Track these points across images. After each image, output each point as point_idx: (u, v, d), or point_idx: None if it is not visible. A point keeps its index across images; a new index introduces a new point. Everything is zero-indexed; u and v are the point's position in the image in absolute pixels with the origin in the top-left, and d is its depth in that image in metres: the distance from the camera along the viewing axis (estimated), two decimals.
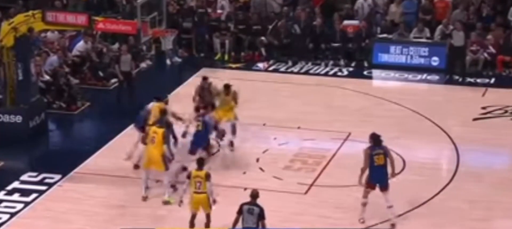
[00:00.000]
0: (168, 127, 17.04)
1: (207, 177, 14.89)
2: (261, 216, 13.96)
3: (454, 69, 24.00)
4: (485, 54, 24.56)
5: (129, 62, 21.97)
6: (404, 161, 18.29)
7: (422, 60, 25.02)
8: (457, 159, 18.56)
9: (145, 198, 16.63)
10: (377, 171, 15.29)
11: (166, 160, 16.34)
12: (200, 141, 17.42)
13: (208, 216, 15.06)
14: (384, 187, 15.35)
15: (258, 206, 14.07)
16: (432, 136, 19.84)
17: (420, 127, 20.38)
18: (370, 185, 15.38)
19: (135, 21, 23.94)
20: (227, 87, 18.91)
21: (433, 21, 25.99)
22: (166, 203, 16.42)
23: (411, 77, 24.30)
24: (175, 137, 17.45)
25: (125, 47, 22.52)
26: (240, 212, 14.06)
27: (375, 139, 15.48)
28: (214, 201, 14.96)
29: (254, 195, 14.18)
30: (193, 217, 15.08)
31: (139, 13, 24.89)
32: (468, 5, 26.05)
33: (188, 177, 15.06)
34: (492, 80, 23.83)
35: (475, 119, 20.95)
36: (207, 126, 17.50)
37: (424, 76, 24.36)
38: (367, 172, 15.33)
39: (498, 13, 25.83)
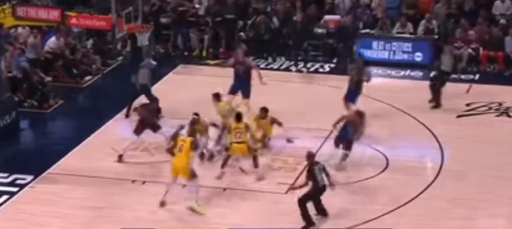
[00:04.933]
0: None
1: (247, 128, 17.29)
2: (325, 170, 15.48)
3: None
4: (469, 50, 24.70)
5: (147, 74, 20.98)
6: (387, 159, 18.40)
7: (405, 56, 25.15)
8: (441, 157, 18.66)
9: (163, 204, 16.33)
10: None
11: (193, 169, 16.24)
12: None
13: (255, 158, 17.37)
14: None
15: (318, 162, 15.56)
16: (416, 134, 19.93)
17: (404, 125, 20.47)
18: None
19: (109, 16, 23.87)
20: (264, 110, 18.75)
21: (417, 16, 26.13)
22: (192, 210, 16.17)
23: (394, 73, 24.41)
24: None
25: (146, 61, 21.66)
26: (310, 172, 15.35)
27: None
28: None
29: (312, 155, 15.61)
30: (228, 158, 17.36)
31: (114, 8, 24.80)
32: None
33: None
34: (477, 76, 23.99)
35: (459, 116, 21.07)
36: None
37: (408, 72, 24.48)
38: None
39: (481, 6, 25.98)
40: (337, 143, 17.99)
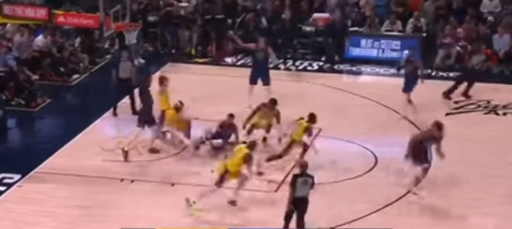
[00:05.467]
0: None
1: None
2: (313, 184, 14.95)
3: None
4: (458, 48, 24.79)
5: (130, 68, 21.14)
6: (376, 157, 18.45)
7: (394, 54, 25.19)
8: (430, 155, 18.69)
9: (233, 202, 16.28)
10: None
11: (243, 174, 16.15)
12: None
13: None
14: None
15: (310, 176, 14.94)
16: (405, 132, 19.94)
17: (393, 122, 20.50)
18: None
19: (97, 14, 23.81)
20: (273, 102, 18.91)
21: (406, 14, 26.20)
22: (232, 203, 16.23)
23: (383, 71, 24.45)
24: None
25: (126, 53, 21.90)
26: (293, 184, 14.83)
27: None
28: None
29: (304, 165, 15.05)
30: None
31: (102, 6, 24.74)
32: None
33: None
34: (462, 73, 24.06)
35: (448, 114, 21.12)
36: None
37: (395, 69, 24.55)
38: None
39: (469, 4, 26.07)
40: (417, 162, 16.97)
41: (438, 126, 17.00)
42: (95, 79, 23.94)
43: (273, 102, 18.85)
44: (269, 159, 17.76)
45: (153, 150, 18.66)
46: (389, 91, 22.36)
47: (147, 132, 18.71)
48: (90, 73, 24.31)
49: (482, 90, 22.44)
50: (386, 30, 25.76)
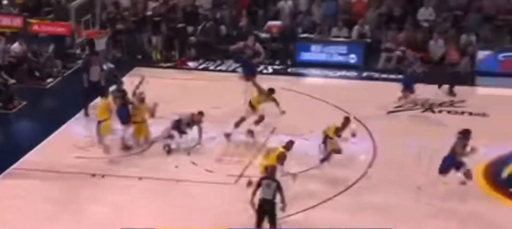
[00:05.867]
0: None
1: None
2: (279, 188, 14.48)
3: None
4: (398, 52, 24.98)
5: (99, 72, 20.87)
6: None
7: (341, 58, 25.31)
8: (374, 150, 18.84)
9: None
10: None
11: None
12: None
13: None
14: None
15: (275, 180, 14.54)
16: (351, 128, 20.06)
17: (340, 120, 20.51)
18: None
19: (69, 23, 23.63)
20: (272, 91, 19.42)
21: (352, 21, 26.29)
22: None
23: (331, 73, 24.54)
24: None
25: (95, 58, 21.73)
26: (259, 185, 14.51)
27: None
28: None
29: (272, 170, 14.72)
30: None
31: (73, 15, 24.56)
32: (380, 4, 26.44)
33: None
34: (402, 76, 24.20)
35: (389, 112, 21.24)
36: None
37: (343, 72, 24.66)
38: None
39: (408, 12, 26.25)
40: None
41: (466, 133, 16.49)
42: (67, 82, 23.71)
43: (271, 90, 19.36)
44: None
45: (125, 147, 18.50)
46: (336, 91, 22.47)
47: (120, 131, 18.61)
48: (63, 77, 24.07)
49: (420, 90, 22.57)
50: (334, 37, 25.85)
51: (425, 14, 25.96)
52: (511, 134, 19.33)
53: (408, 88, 21.53)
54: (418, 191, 16.53)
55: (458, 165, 16.36)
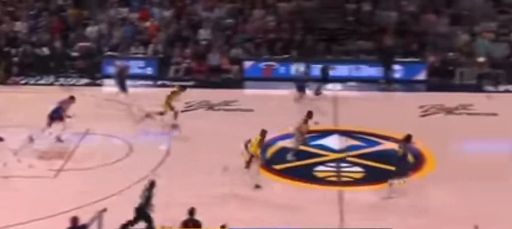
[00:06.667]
0: None
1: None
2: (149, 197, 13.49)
3: None
4: (185, 64, 25.75)
5: None
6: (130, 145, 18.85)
7: (139, 70, 25.46)
8: (169, 143, 19.11)
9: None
10: None
11: None
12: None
13: None
14: None
15: (148, 189, 13.74)
16: (149, 126, 20.22)
17: (145, 121, 20.70)
18: None
19: None
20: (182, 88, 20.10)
21: (147, 40, 26.57)
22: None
23: (133, 83, 24.07)
24: None
25: None
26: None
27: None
28: None
29: (152, 183, 13.75)
30: None
31: None
32: (169, 27, 26.92)
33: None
34: (191, 83, 24.60)
35: (183, 111, 21.30)
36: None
37: (142, 82, 24.73)
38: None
39: (192, 31, 26.57)
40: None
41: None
42: None
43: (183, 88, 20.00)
44: None
45: None
46: (138, 99, 22.25)
47: None
48: None
49: (203, 94, 22.94)
50: (133, 53, 26.18)
51: (204, 34, 26.58)
52: (273, 125, 19.96)
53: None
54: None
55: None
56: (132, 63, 25.29)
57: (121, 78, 22.63)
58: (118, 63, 23.43)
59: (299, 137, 18.19)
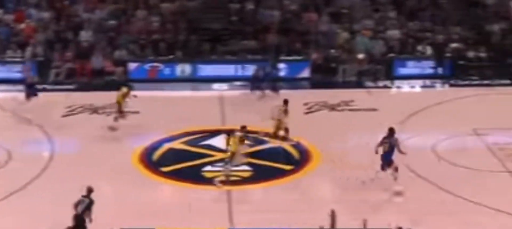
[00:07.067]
0: None
1: None
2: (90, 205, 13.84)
3: None
4: (66, 66, 25.05)
5: None
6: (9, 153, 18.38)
7: (17, 75, 24.24)
8: (51, 147, 18.98)
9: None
10: None
11: None
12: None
13: None
14: None
15: (88, 197, 13.97)
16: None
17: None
18: None
19: None
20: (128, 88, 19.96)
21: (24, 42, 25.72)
22: None
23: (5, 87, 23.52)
24: None
25: None
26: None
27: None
28: None
29: (89, 189, 14.07)
30: None
31: None
32: (47, 29, 26.06)
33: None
34: (74, 85, 24.41)
35: (64, 116, 21.26)
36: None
37: (20, 87, 23.58)
38: None
39: (73, 31, 26.10)
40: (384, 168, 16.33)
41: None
42: None
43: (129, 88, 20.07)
44: None
45: None
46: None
47: None
48: None
49: (88, 97, 22.73)
50: (9, 57, 25.18)
51: (86, 35, 26.08)
52: (158, 126, 20.16)
53: None
54: None
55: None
56: (8, 67, 24.58)
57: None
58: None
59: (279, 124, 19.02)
